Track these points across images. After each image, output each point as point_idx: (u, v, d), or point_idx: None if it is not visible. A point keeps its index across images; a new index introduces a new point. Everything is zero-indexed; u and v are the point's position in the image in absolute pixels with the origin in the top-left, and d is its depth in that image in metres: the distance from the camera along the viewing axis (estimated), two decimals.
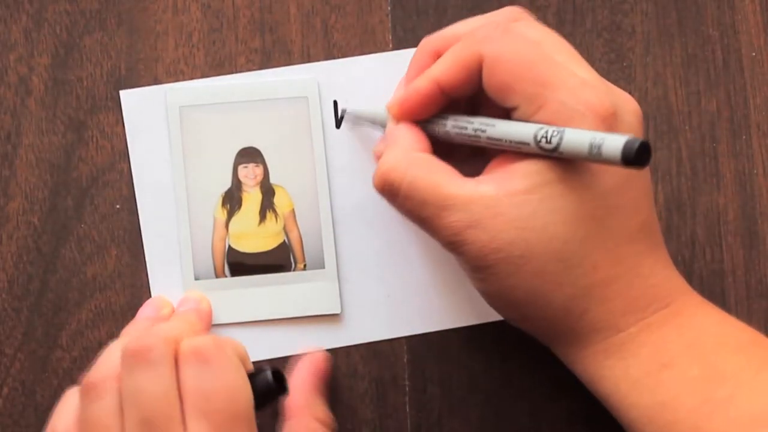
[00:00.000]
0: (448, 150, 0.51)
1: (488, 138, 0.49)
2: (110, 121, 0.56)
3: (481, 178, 0.49)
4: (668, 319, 0.48)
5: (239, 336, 0.54)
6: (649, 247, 0.49)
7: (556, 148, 0.46)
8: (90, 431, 0.46)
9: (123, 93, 0.56)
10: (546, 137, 0.46)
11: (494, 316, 0.56)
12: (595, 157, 0.45)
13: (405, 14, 0.57)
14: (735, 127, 0.57)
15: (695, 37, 0.58)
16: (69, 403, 0.49)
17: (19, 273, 0.56)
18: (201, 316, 0.54)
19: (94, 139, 0.56)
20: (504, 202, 0.47)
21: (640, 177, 0.48)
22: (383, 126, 0.53)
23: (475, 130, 0.49)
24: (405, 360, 0.56)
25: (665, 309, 0.49)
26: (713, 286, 0.57)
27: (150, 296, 0.56)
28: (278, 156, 0.56)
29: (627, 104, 0.49)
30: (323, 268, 0.56)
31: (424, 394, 0.56)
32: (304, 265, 0.56)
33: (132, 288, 0.56)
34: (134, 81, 0.57)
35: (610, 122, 0.47)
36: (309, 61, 0.57)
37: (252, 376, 0.47)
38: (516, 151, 0.48)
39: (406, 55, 0.57)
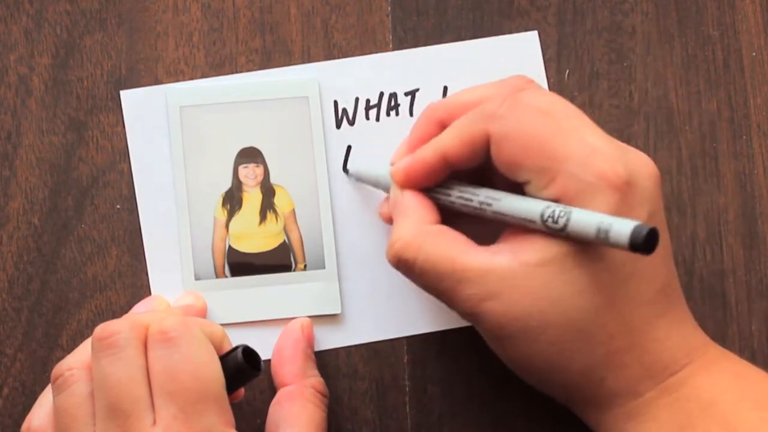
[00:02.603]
0: (457, 212, 0.50)
1: (494, 212, 0.48)
2: (110, 121, 0.56)
3: (495, 247, 0.48)
4: (685, 380, 0.48)
5: (239, 336, 0.54)
6: (666, 308, 0.48)
7: (563, 229, 0.45)
8: (60, 421, 0.47)
9: (123, 93, 0.56)
10: (553, 217, 0.45)
11: None
12: (602, 241, 0.44)
13: (405, 14, 0.57)
14: (735, 127, 0.57)
15: (695, 37, 0.58)
16: (46, 399, 0.49)
17: (19, 273, 0.56)
18: (190, 312, 0.54)
19: (95, 139, 0.56)
20: (519, 273, 0.46)
21: (659, 242, 0.46)
22: (386, 190, 0.53)
23: (480, 203, 0.48)
24: (405, 360, 0.56)
25: (681, 371, 0.48)
26: (713, 286, 0.56)
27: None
28: (278, 156, 0.56)
29: (643, 168, 0.47)
30: (323, 268, 0.56)
31: (424, 394, 0.56)
32: (305, 266, 0.56)
33: (132, 288, 0.56)
34: (134, 81, 0.57)
35: (624, 191, 0.45)
36: (309, 61, 0.57)
37: (224, 357, 0.47)
38: (524, 226, 0.47)
39: (406, 55, 0.57)
